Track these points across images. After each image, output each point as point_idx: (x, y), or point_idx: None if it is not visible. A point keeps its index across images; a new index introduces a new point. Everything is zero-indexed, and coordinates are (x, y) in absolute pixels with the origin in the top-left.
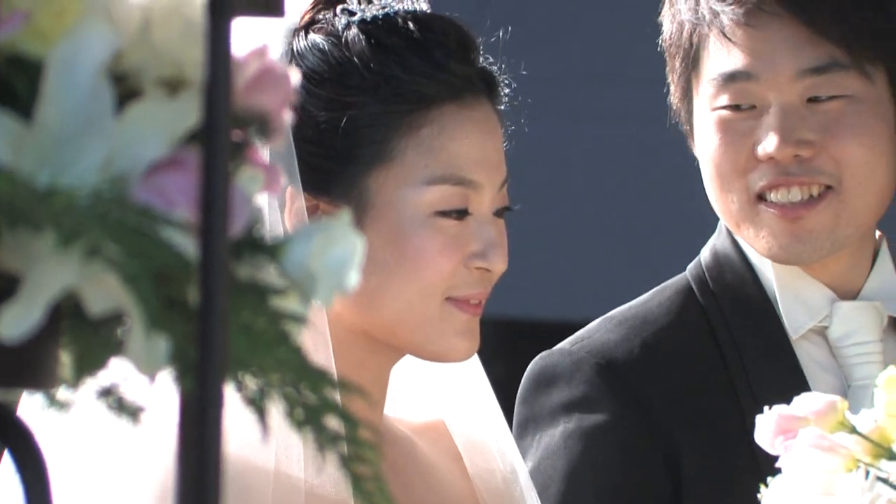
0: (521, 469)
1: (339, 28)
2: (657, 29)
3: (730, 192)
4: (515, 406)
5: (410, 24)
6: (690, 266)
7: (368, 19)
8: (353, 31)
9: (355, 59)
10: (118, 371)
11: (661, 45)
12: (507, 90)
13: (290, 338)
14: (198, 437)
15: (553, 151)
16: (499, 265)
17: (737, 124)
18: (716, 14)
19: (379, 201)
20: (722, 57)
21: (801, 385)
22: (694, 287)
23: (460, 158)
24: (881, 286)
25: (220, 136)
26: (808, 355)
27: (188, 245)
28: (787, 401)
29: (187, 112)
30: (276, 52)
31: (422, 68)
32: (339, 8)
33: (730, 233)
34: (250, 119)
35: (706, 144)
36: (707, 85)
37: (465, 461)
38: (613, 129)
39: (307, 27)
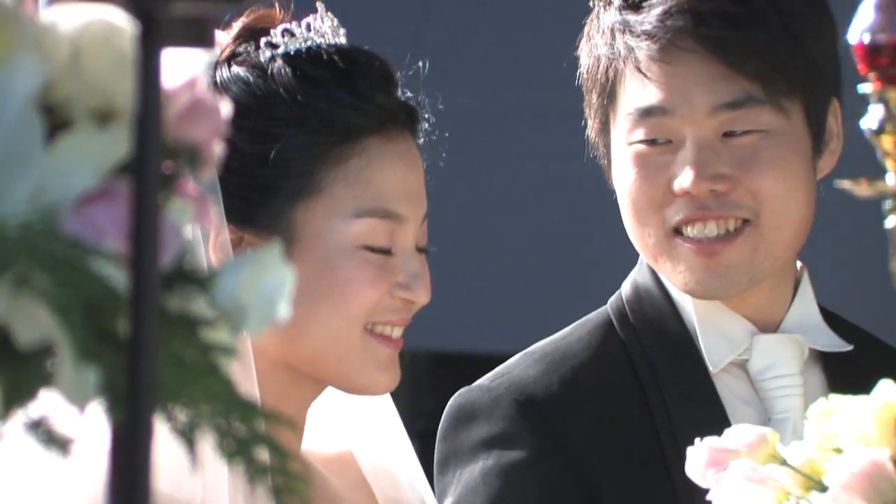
0: (430, 500)
1: (264, 60)
2: (574, 64)
3: (646, 226)
4: (437, 442)
5: (335, 57)
6: (611, 300)
7: (293, 52)
8: (279, 63)
9: (282, 91)
10: (48, 403)
11: (578, 80)
12: (426, 124)
13: (220, 369)
14: (127, 467)
15: (476, 186)
16: (422, 297)
17: (653, 158)
18: (631, 49)
19: (306, 233)
20: (638, 92)
21: (721, 419)
22: (614, 321)
23: (387, 191)
24: (802, 318)
25: (150, 167)
26: (729, 389)
27: (119, 276)
28: (707, 435)
29: (118, 143)
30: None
31: (348, 100)
32: (262, 41)
33: (650, 267)
34: (181, 150)
35: (623, 178)
36: (623, 119)
37: (375, 491)
38: (534, 164)
39: (229, 59)
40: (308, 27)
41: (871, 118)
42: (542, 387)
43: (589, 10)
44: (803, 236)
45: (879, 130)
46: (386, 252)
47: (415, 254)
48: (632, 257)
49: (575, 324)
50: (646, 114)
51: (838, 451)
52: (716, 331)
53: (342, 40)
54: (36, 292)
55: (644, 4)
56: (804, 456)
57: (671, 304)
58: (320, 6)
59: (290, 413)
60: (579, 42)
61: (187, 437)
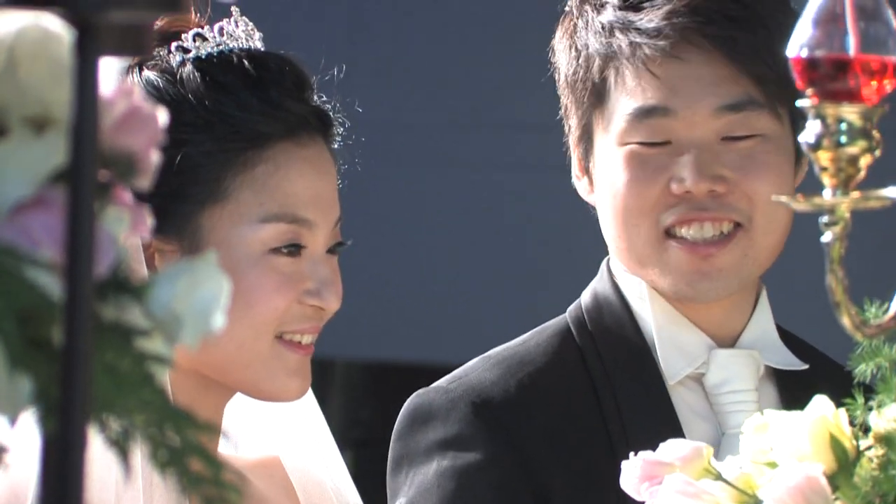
0: None
1: (174, 65)
2: (523, 75)
3: (637, 227)
4: (391, 443)
5: (246, 62)
6: (570, 308)
7: (203, 57)
8: (188, 68)
9: (190, 97)
10: None
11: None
12: (341, 129)
13: (154, 379)
14: (60, 477)
15: (415, 196)
16: (332, 303)
17: (651, 159)
18: (636, 47)
19: (213, 240)
20: (637, 92)
21: (675, 431)
22: (572, 329)
23: (295, 197)
24: (759, 335)
25: (86, 175)
26: (684, 401)
27: (53, 285)
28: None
29: (54, 151)
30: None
31: (257, 106)
32: (173, 45)
33: (611, 276)
34: (117, 159)
35: (612, 181)
36: (618, 120)
37: (300, 497)
38: (480, 174)
39: (141, 64)
40: (221, 31)
41: (809, 133)
42: (498, 391)
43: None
44: (782, 245)
45: (816, 146)
46: (294, 250)
47: (325, 259)
48: (579, 268)
49: (533, 330)
50: (647, 114)
51: (773, 465)
52: (674, 343)
53: (257, 45)
54: None
55: (646, 4)
56: (739, 470)
57: (630, 315)
58: (235, 10)
59: (202, 417)
60: (553, 45)
61: (121, 446)
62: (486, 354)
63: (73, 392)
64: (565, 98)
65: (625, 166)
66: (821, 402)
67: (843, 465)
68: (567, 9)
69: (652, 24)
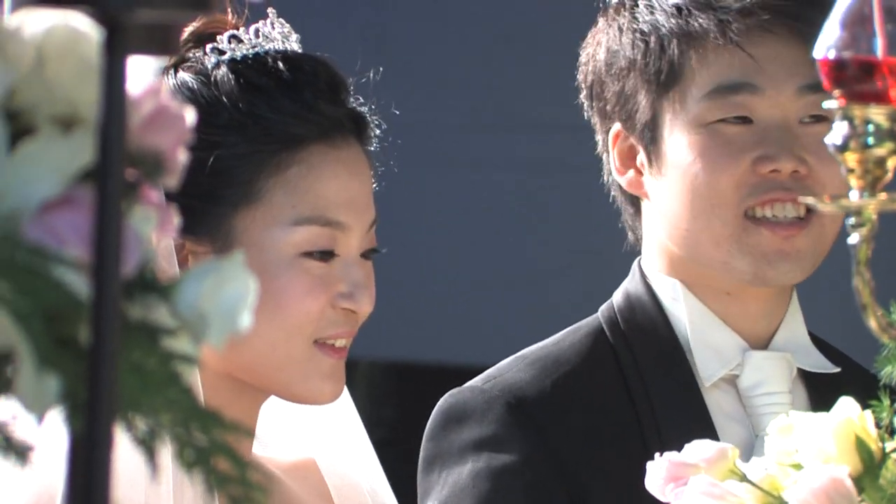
0: None
1: (209, 67)
2: (536, 77)
3: (721, 208)
4: (423, 442)
5: (280, 64)
6: (602, 308)
7: (238, 58)
8: (223, 70)
9: (224, 99)
10: (7, 410)
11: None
12: (377, 131)
13: (180, 378)
14: (87, 477)
15: (442, 198)
16: (365, 307)
17: (734, 139)
18: (725, 25)
19: (245, 241)
20: (723, 69)
21: (709, 433)
22: (606, 329)
23: (328, 199)
24: (791, 337)
25: (113, 175)
26: (717, 404)
27: (80, 284)
28: None
29: (81, 150)
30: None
31: (291, 108)
32: (208, 47)
33: (643, 277)
34: (144, 158)
35: (691, 162)
36: (698, 98)
37: (335, 500)
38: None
39: (177, 65)
40: (257, 33)
41: (836, 135)
42: (534, 391)
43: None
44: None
45: (843, 147)
46: (327, 256)
47: (358, 262)
48: (597, 271)
49: (566, 330)
50: (732, 90)
51: (798, 467)
52: (708, 345)
53: (294, 46)
54: None
55: None
56: (764, 472)
57: (663, 316)
58: (272, 12)
59: (235, 420)
60: (595, 36)
61: (147, 446)
62: (519, 354)
63: (100, 391)
64: (618, 82)
65: (708, 145)
66: (846, 404)
67: (869, 467)
68: (609, 1)
69: (739, 5)
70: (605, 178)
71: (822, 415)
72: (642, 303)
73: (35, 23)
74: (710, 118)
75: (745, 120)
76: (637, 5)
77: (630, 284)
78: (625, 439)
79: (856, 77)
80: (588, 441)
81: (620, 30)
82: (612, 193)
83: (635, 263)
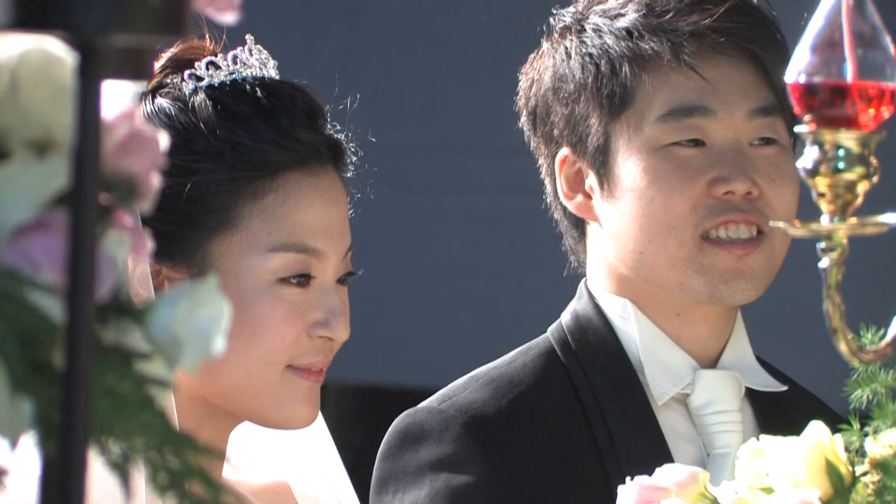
0: None
1: (187, 93)
2: (502, 100)
3: (677, 229)
4: (377, 462)
5: (258, 91)
6: (551, 329)
7: (216, 85)
8: (201, 96)
9: (201, 125)
10: None
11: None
12: (354, 158)
13: (154, 402)
14: (61, 501)
15: (404, 220)
16: (341, 333)
17: (689, 161)
18: (678, 48)
19: (222, 268)
20: (676, 92)
21: (664, 453)
22: (557, 349)
23: (304, 226)
24: (738, 357)
25: (88, 199)
26: (668, 423)
27: (54, 308)
28: (650, 468)
29: (55, 174)
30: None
31: (268, 135)
32: (186, 73)
33: (591, 297)
34: (118, 182)
35: (649, 185)
36: (653, 122)
37: None
38: (467, 198)
39: (154, 91)
40: (235, 59)
41: (807, 159)
42: (491, 410)
43: (529, 45)
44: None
45: (814, 172)
46: (303, 280)
47: (334, 289)
48: (566, 291)
49: (516, 350)
50: (686, 113)
51: (768, 490)
52: (660, 364)
53: (271, 73)
54: None
55: (670, 11)
56: (734, 495)
57: (614, 335)
58: (249, 38)
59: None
60: (536, 63)
61: (121, 469)
62: (472, 375)
63: (74, 415)
64: (567, 106)
65: (663, 168)
66: (816, 428)
67: (839, 490)
68: (554, 24)
69: (691, 28)
70: (548, 201)
71: (792, 438)
72: (592, 323)
73: (9, 47)
74: (664, 141)
75: (697, 142)
76: (584, 29)
77: (578, 305)
78: (582, 458)
79: (826, 102)
80: (546, 460)
81: (568, 53)
82: (555, 217)
83: (582, 284)
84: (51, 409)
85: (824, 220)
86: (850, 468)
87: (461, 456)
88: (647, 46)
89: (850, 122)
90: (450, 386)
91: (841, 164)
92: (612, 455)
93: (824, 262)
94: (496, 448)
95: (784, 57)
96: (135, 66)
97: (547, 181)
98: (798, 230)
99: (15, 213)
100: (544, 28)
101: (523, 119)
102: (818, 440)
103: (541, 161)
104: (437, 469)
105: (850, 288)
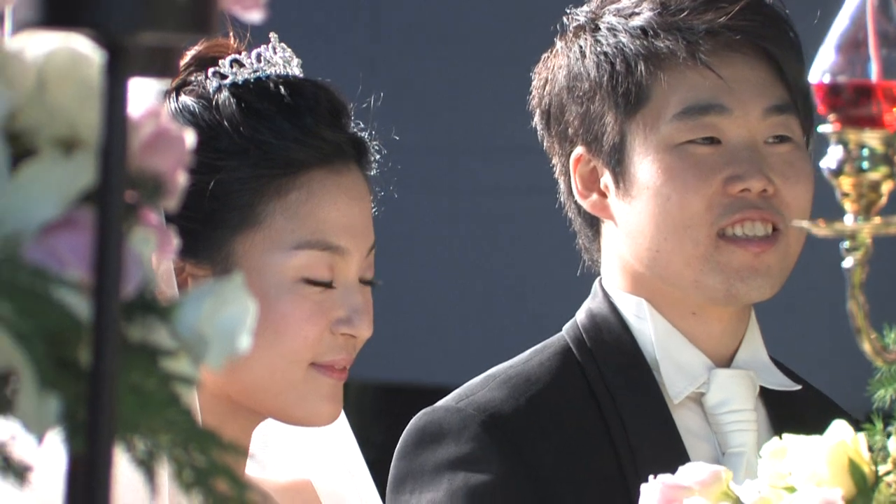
0: None
1: (211, 91)
2: (511, 101)
3: (694, 228)
4: (394, 460)
5: (282, 89)
6: (566, 327)
7: (240, 83)
8: (224, 94)
9: (225, 123)
10: (6, 430)
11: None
12: (377, 157)
13: (179, 399)
14: (87, 497)
15: (431, 220)
16: (364, 331)
17: (705, 159)
18: (694, 47)
19: (245, 265)
20: (692, 90)
21: (679, 451)
22: (573, 348)
23: (327, 224)
24: (752, 356)
25: (114, 197)
26: (684, 422)
27: (81, 305)
28: (667, 467)
29: (82, 172)
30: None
31: (291, 133)
32: (210, 71)
33: (606, 296)
34: (144, 180)
35: (665, 183)
36: (669, 120)
37: None
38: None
39: (178, 89)
40: (258, 57)
41: (831, 159)
42: (509, 409)
43: (543, 46)
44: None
45: (838, 171)
46: (326, 285)
47: (357, 287)
48: (580, 289)
49: (533, 349)
50: (702, 111)
51: (791, 489)
52: (675, 363)
53: (295, 71)
54: None
55: (686, 8)
56: (757, 494)
57: (629, 334)
58: (273, 37)
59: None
60: (550, 62)
61: (146, 466)
62: (488, 373)
63: (100, 412)
64: (588, 105)
65: (679, 167)
66: (839, 427)
67: (862, 490)
68: (568, 23)
69: (706, 26)
70: (562, 200)
71: (815, 437)
72: (608, 321)
73: (37, 45)
74: (680, 139)
75: (713, 140)
76: (598, 28)
77: (593, 304)
78: (598, 456)
79: (851, 101)
80: (563, 459)
81: (582, 52)
82: (569, 216)
83: (596, 283)
84: (77, 406)
85: (848, 220)
86: (873, 468)
87: (479, 454)
88: (662, 45)
89: (874, 122)
90: (467, 384)
91: (865, 164)
92: (628, 453)
93: (848, 262)
94: (514, 447)
95: (797, 55)
96: (161, 64)
97: (561, 180)
98: (822, 230)
99: (42, 211)
100: (557, 27)
101: (536, 118)
102: (841, 440)
103: (554, 160)
104: (455, 468)
105: (872, 288)
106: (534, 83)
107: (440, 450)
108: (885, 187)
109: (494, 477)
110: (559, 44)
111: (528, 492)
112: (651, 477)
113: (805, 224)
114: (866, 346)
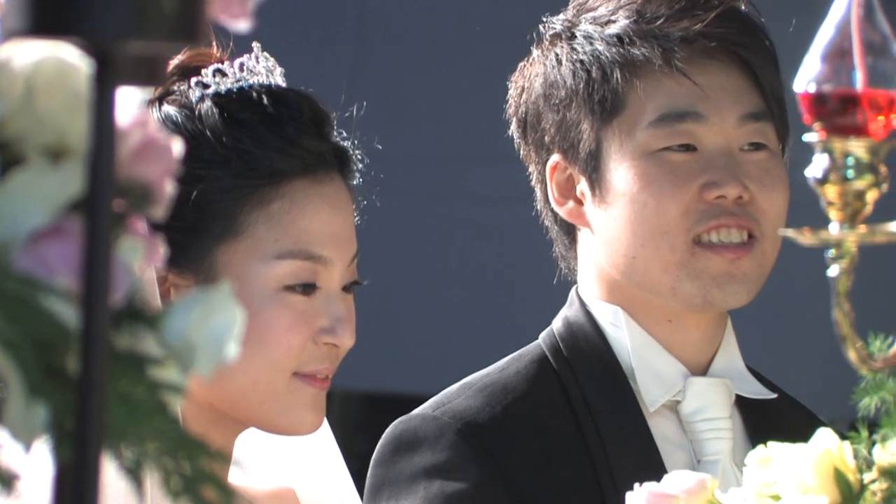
0: None
1: (193, 101)
2: (499, 111)
3: (670, 234)
4: (370, 468)
5: (264, 99)
6: (543, 335)
7: (222, 92)
8: (207, 104)
9: (208, 133)
10: None
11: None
12: (360, 165)
13: (167, 408)
14: None
15: (411, 228)
16: (346, 340)
17: (681, 166)
18: (669, 54)
19: (228, 274)
20: (668, 97)
21: (655, 460)
22: (549, 356)
23: (310, 233)
24: (728, 364)
25: (102, 205)
26: (660, 430)
27: (69, 313)
28: (642, 474)
29: (70, 181)
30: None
31: (274, 143)
32: (193, 80)
33: (583, 304)
34: (132, 189)
35: (641, 190)
36: (645, 127)
37: None
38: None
39: (161, 98)
40: (241, 67)
41: (816, 167)
42: (485, 417)
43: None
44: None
45: (823, 180)
46: (309, 289)
47: (340, 296)
48: (564, 298)
49: (509, 357)
50: (678, 118)
51: (776, 498)
52: (651, 371)
53: (278, 80)
54: None
55: (660, 17)
56: (742, 502)
57: (605, 342)
58: (256, 46)
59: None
60: (526, 71)
61: (134, 474)
62: (464, 381)
63: (88, 420)
64: (558, 113)
65: (655, 174)
66: (825, 435)
67: (848, 498)
68: (545, 32)
69: (681, 33)
70: (539, 208)
71: (800, 446)
72: (583, 330)
73: (25, 54)
74: (656, 146)
75: (689, 148)
76: (574, 36)
77: (569, 312)
78: (574, 464)
79: (836, 110)
80: (539, 466)
81: (559, 60)
82: (546, 224)
83: (573, 291)
84: (65, 415)
85: (833, 229)
86: (859, 476)
87: (455, 462)
88: (638, 52)
89: (859, 131)
90: (443, 392)
91: (850, 173)
92: (603, 461)
93: (833, 271)
94: (490, 455)
95: (773, 62)
96: (149, 73)
97: (537, 188)
98: (808, 238)
99: (30, 219)
100: (534, 36)
101: (513, 127)
102: (826, 448)
103: (531, 168)
104: (431, 476)
105: (858, 296)
106: (510, 92)
107: (416, 458)
108: (871, 196)
109: (470, 485)
110: (535, 52)
111: (503, 500)
112: (636, 485)
113: (790, 233)
114: (852, 355)
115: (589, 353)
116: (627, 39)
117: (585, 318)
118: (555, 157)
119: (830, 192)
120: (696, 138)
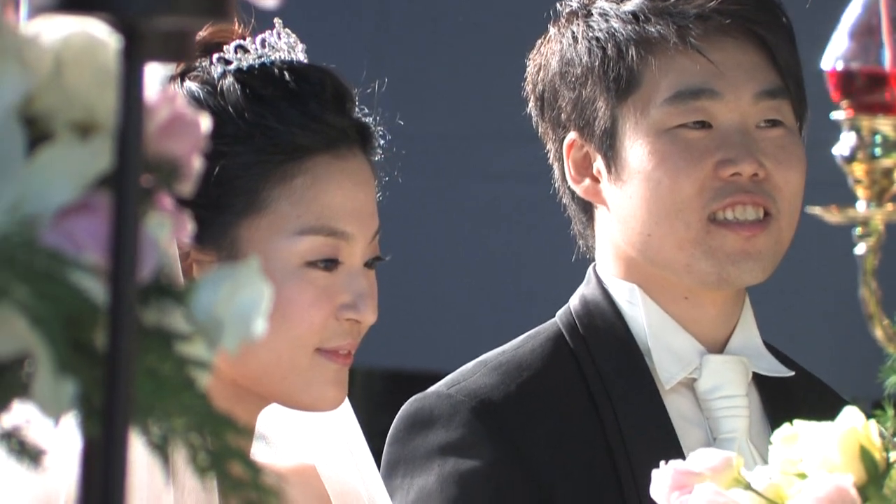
0: None
1: (215, 77)
2: (520, 88)
3: (686, 211)
4: (386, 446)
5: (286, 75)
6: (559, 313)
7: (244, 68)
8: (229, 80)
9: (230, 109)
10: (21, 414)
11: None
12: (381, 142)
13: (195, 383)
14: (101, 482)
15: (437, 205)
16: (369, 316)
17: (696, 143)
18: (684, 31)
19: (250, 251)
20: (683, 74)
21: (671, 437)
22: (565, 334)
23: (332, 209)
24: (745, 342)
25: (130, 181)
26: (676, 407)
27: (97, 289)
28: (657, 452)
29: (98, 156)
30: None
31: (296, 119)
32: (215, 56)
33: (600, 281)
34: (160, 165)
35: (656, 167)
36: (660, 104)
37: None
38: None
39: (183, 74)
40: (263, 43)
41: (843, 145)
42: (500, 395)
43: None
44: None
45: (851, 158)
46: (331, 265)
47: (362, 272)
48: (576, 276)
49: (525, 335)
50: (693, 95)
51: (802, 476)
52: (667, 348)
53: (299, 56)
54: (14, 304)
55: None
56: (768, 480)
57: (621, 320)
58: (278, 22)
59: None
60: (543, 48)
61: (161, 450)
62: (480, 359)
63: (116, 395)
64: (574, 90)
65: (670, 151)
66: (850, 413)
67: (873, 476)
68: (561, 9)
69: (696, 10)
70: (557, 186)
71: (826, 424)
72: (600, 307)
73: (53, 29)
74: (671, 123)
75: (704, 125)
76: (590, 14)
77: (586, 290)
78: (589, 442)
79: (864, 88)
80: (554, 444)
81: (575, 38)
82: (564, 202)
83: (590, 269)
84: (93, 390)
85: (860, 207)
86: (885, 454)
87: (470, 440)
88: (653, 29)
89: (887, 109)
90: (458, 371)
91: (878, 151)
92: (619, 439)
93: (860, 249)
94: (504, 433)
95: (789, 39)
96: (177, 49)
97: (555, 166)
98: (835, 216)
99: (58, 195)
100: (551, 13)
101: (531, 104)
102: (852, 426)
103: (549, 146)
104: (445, 454)
105: (885, 274)
106: (528, 69)
107: (431, 436)
108: None
109: (485, 463)
110: (552, 30)
111: (518, 478)
112: (662, 463)
113: (818, 210)
114: (878, 333)
115: (605, 330)
116: (643, 16)
117: (602, 296)
118: (571, 135)
119: (858, 169)
120: (711, 115)
